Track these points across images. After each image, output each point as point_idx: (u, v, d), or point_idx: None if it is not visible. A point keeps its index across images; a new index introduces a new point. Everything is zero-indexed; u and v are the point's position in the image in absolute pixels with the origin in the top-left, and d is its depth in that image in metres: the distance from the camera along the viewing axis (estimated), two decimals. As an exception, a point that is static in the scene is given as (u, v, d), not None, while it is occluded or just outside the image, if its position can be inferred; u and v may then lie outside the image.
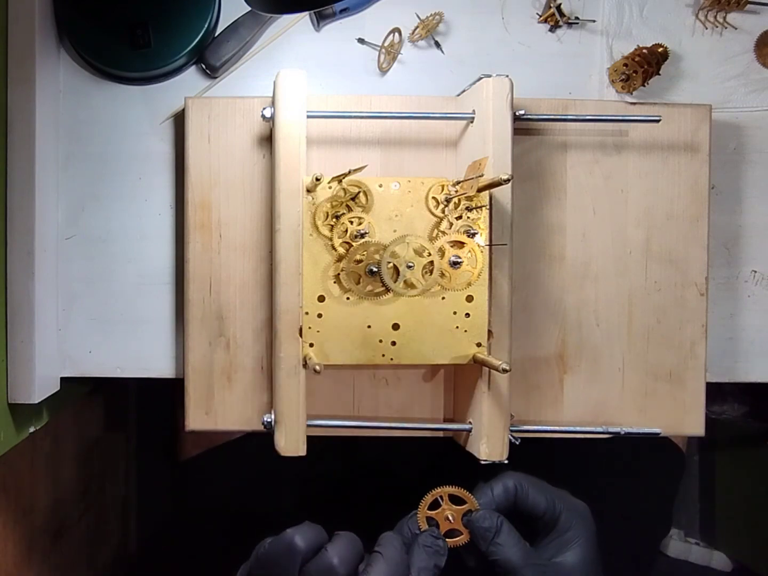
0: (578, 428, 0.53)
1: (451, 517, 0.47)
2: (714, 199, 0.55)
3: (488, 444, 0.49)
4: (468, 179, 0.49)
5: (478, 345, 0.49)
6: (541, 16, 0.57)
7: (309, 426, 0.49)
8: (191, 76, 0.56)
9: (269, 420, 0.50)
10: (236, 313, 0.53)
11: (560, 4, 0.56)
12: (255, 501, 0.66)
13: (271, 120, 0.50)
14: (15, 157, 0.51)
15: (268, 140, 0.54)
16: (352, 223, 0.48)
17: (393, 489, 0.57)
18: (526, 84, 0.54)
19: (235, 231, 0.53)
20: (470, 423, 0.50)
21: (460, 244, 0.48)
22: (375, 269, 0.48)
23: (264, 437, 0.51)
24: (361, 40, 0.55)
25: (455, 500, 0.48)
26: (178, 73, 0.56)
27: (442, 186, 0.49)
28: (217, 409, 0.53)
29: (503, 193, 0.48)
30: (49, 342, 0.54)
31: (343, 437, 0.52)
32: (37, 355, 0.52)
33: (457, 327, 0.49)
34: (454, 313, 0.49)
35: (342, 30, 0.57)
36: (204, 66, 0.55)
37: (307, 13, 0.56)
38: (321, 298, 0.49)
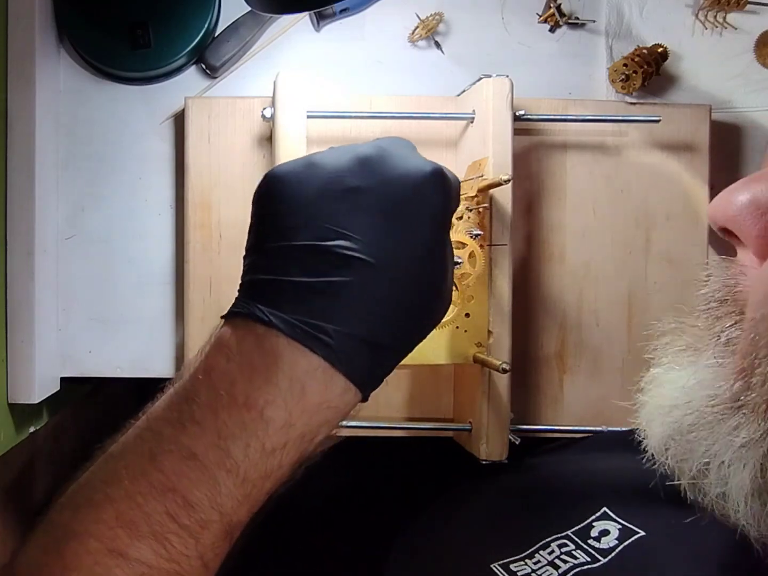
0: (578, 428, 0.53)
1: None
2: (714, 199, 0.55)
3: (488, 444, 0.49)
4: (468, 179, 0.49)
5: (478, 345, 0.49)
6: (541, 16, 0.57)
7: (309, 426, 0.49)
8: (191, 76, 0.56)
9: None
10: (236, 313, 0.53)
11: (560, 4, 0.56)
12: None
13: (271, 120, 0.50)
14: (15, 157, 0.51)
15: (268, 140, 0.53)
16: (352, 223, 0.48)
17: (392, 489, 0.57)
18: (526, 84, 0.54)
19: (235, 231, 0.53)
20: (470, 423, 0.50)
21: (461, 245, 0.48)
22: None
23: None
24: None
25: None
26: (178, 73, 0.56)
27: (442, 186, 0.49)
28: (217, 409, 0.53)
29: (503, 193, 0.48)
30: (49, 342, 0.54)
31: (342, 438, 0.52)
32: (37, 355, 0.52)
33: (457, 327, 0.49)
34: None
35: (342, 30, 0.57)
36: (204, 66, 0.55)
37: (307, 13, 0.56)
38: (321, 298, 0.49)
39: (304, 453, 0.32)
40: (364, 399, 0.33)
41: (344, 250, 0.31)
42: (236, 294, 0.35)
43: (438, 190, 0.34)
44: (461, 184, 0.49)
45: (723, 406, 0.29)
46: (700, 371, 0.31)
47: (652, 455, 0.34)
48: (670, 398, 0.32)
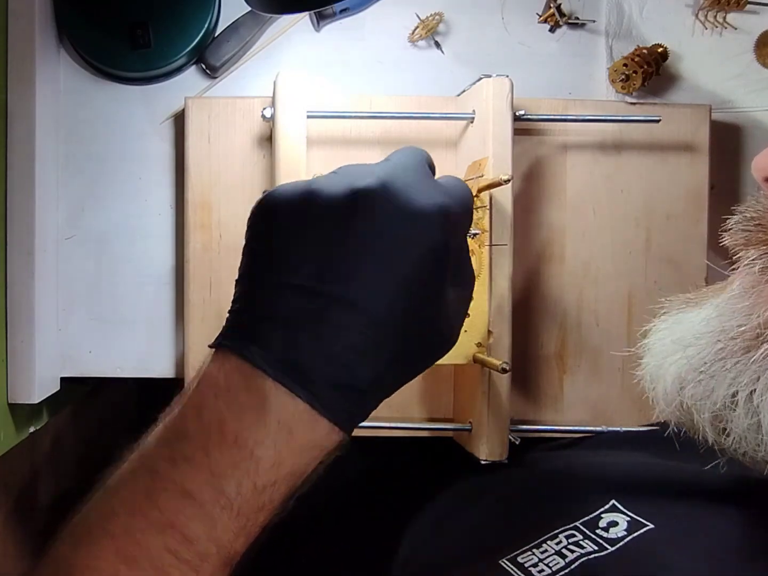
0: (578, 428, 0.53)
1: None
2: (714, 199, 0.55)
3: (488, 444, 0.49)
4: (468, 180, 0.49)
5: (478, 345, 0.49)
6: (541, 16, 0.57)
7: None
8: (191, 76, 0.56)
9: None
10: (236, 313, 0.53)
11: (560, 4, 0.56)
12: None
13: (271, 120, 0.50)
14: (15, 157, 0.51)
15: (268, 140, 0.53)
16: (352, 223, 0.48)
17: (392, 489, 0.57)
18: (526, 84, 0.54)
19: (235, 231, 0.53)
20: (470, 423, 0.50)
21: (460, 244, 0.48)
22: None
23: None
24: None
25: None
26: (178, 73, 0.56)
27: (442, 186, 0.49)
28: (217, 409, 0.53)
29: (503, 193, 0.48)
30: (49, 342, 0.54)
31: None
32: (37, 355, 0.52)
33: (457, 327, 0.49)
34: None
35: (342, 30, 0.57)
36: (204, 66, 0.55)
37: (307, 13, 0.56)
38: (321, 298, 0.49)
39: (293, 487, 0.33)
40: (348, 436, 0.34)
41: (335, 294, 0.31)
42: (234, 297, 0.35)
43: (439, 232, 0.33)
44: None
45: (753, 333, 0.30)
46: (724, 303, 0.31)
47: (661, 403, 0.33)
48: (692, 331, 0.32)
